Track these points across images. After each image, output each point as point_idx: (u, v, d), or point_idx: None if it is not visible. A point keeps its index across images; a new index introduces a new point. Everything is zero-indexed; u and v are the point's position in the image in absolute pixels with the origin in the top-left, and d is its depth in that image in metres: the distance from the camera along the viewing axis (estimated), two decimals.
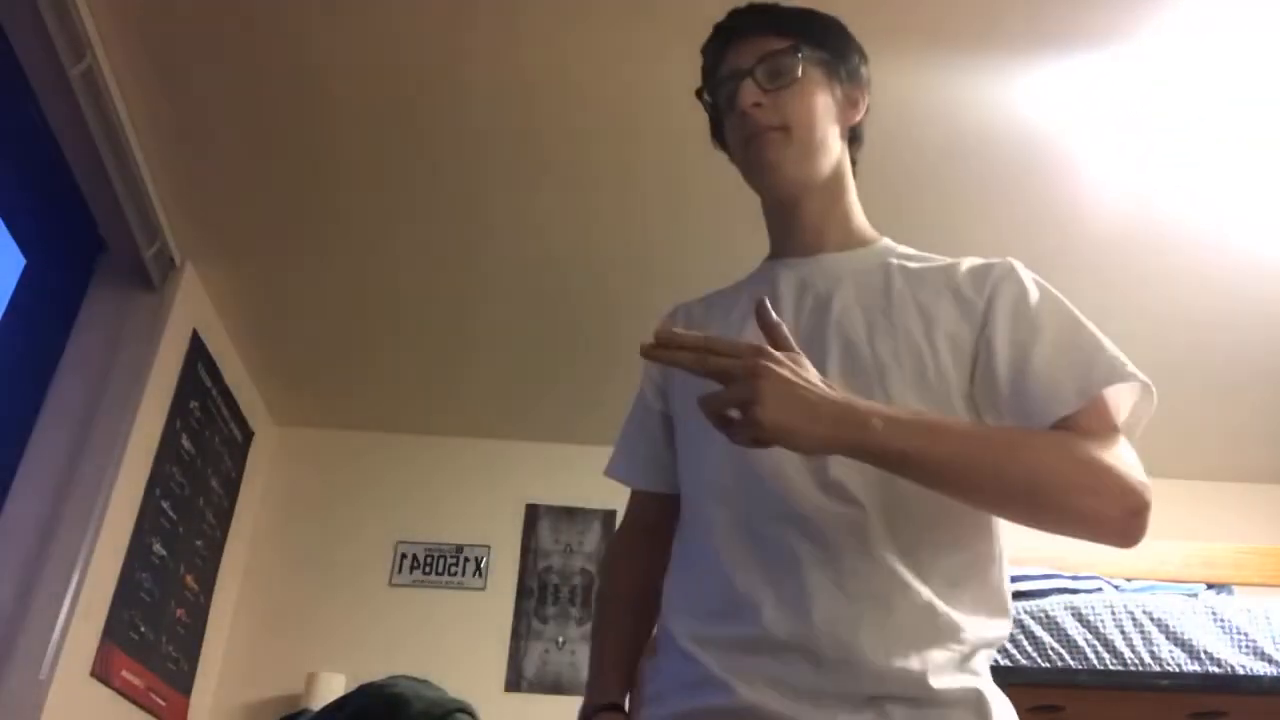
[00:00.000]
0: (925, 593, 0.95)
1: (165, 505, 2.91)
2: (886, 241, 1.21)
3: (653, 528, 1.22)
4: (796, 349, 0.92)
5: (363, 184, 2.70)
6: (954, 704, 0.92)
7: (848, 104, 1.21)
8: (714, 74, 1.22)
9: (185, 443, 3.03)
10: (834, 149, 1.18)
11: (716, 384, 0.90)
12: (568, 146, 2.56)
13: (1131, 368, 0.99)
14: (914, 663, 0.92)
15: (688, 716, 0.98)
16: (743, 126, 1.15)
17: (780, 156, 1.14)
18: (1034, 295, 1.06)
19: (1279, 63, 2.26)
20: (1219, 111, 2.40)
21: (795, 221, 1.19)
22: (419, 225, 2.86)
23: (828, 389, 0.89)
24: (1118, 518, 0.93)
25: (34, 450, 2.56)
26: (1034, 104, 2.41)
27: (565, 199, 2.74)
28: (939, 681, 0.92)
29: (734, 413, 0.86)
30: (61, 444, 2.58)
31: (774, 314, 0.94)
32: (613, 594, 1.23)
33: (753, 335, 0.99)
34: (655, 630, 1.12)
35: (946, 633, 0.94)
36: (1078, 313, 1.05)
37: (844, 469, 0.98)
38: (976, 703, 0.93)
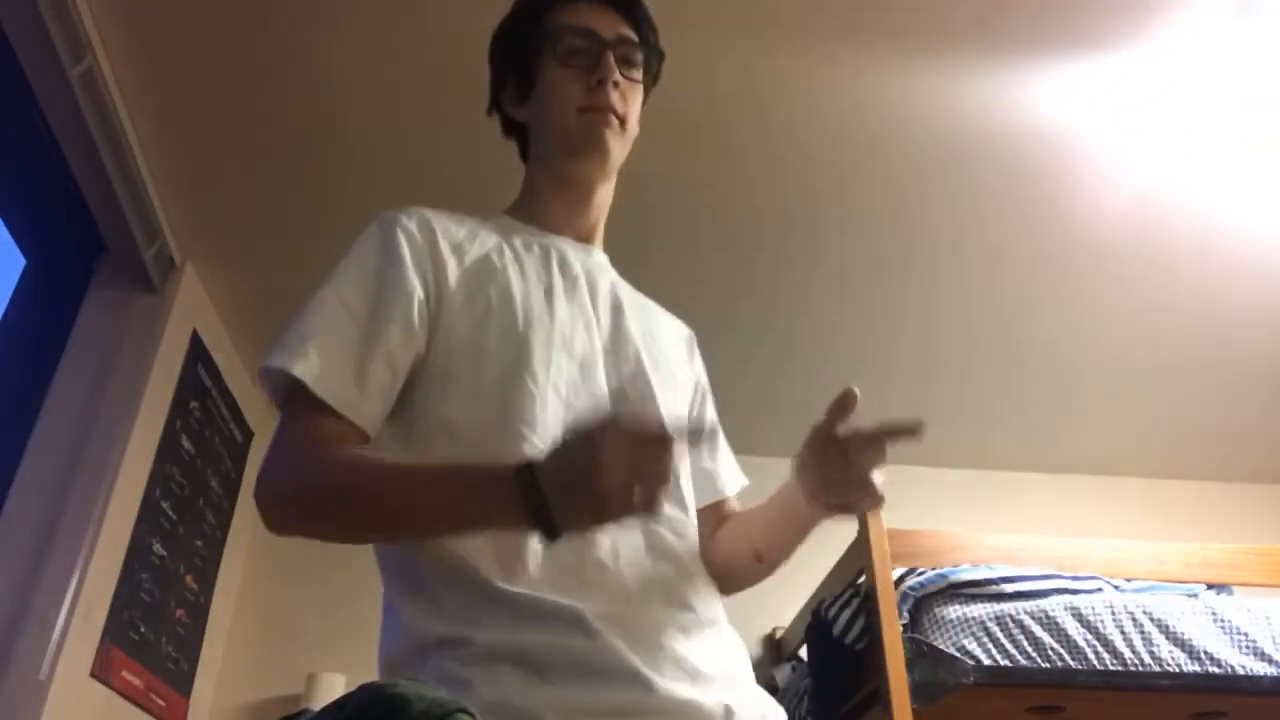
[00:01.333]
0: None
1: (165, 505, 2.90)
2: None
3: None
4: None
5: (363, 184, 2.70)
6: None
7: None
8: (548, 10, 1.16)
9: (185, 443, 3.03)
10: None
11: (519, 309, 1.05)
12: None
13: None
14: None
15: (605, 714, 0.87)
16: (591, 95, 1.12)
17: (613, 142, 1.14)
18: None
19: (1275, 66, 2.26)
20: (1225, 114, 2.40)
21: (583, 206, 1.20)
22: None
23: None
24: None
25: (34, 450, 2.56)
26: (1038, 105, 2.41)
27: None
28: None
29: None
30: (61, 444, 2.58)
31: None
32: (373, 457, 0.95)
33: (563, 310, 1.08)
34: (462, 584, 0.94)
35: None
36: None
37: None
38: None
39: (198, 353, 3.08)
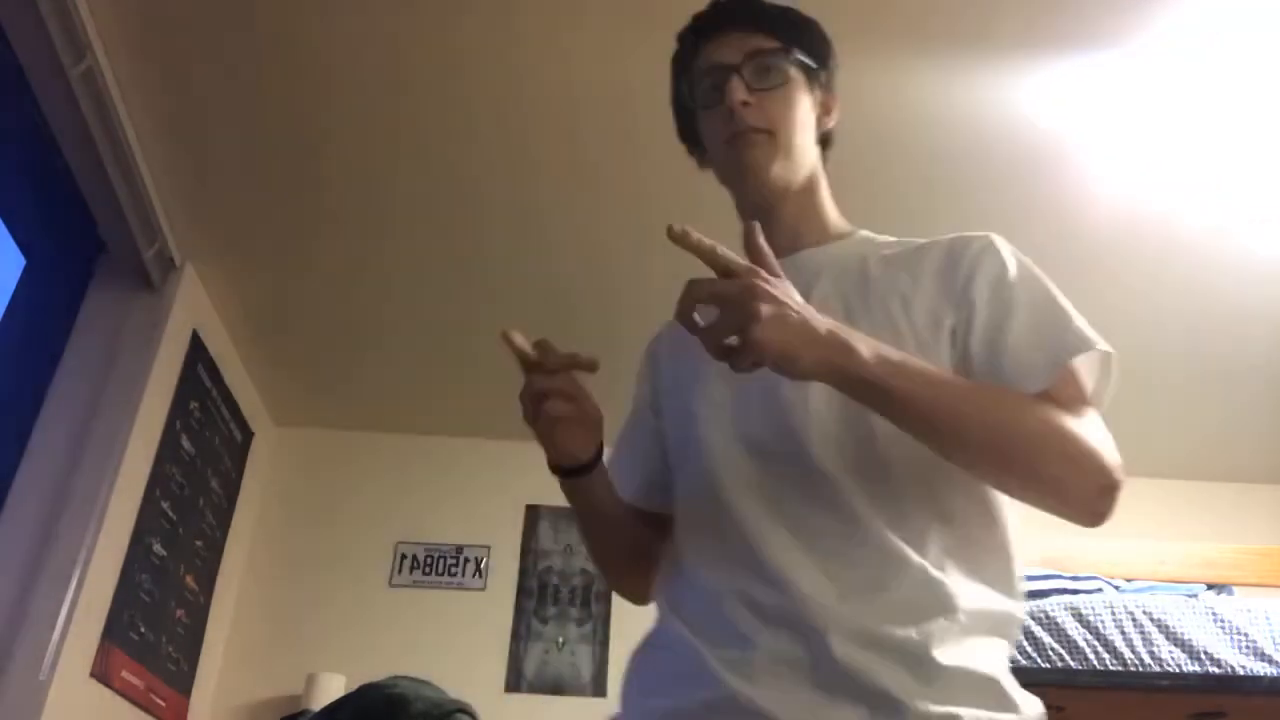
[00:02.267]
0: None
1: (165, 505, 2.91)
2: (864, 233, 1.21)
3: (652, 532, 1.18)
4: (782, 275, 0.91)
5: (363, 184, 2.70)
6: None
7: (823, 110, 1.21)
8: (690, 66, 1.19)
9: (185, 443, 3.03)
10: (811, 154, 1.18)
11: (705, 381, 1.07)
12: (565, 145, 2.56)
13: (1096, 336, 0.99)
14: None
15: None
16: (728, 124, 1.12)
17: (764, 159, 1.12)
18: (1012, 271, 1.06)
19: (1276, 63, 2.27)
20: (1216, 112, 2.40)
21: (772, 225, 1.15)
22: (418, 225, 2.86)
23: (816, 313, 0.89)
24: (1088, 492, 0.94)
25: (34, 450, 2.56)
26: (1032, 105, 2.41)
27: (563, 198, 2.74)
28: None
29: (733, 340, 0.86)
30: (61, 444, 2.58)
31: (762, 238, 0.93)
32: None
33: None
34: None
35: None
36: (1053, 287, 1.05)
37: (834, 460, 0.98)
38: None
39: (198, 353, 3.08)
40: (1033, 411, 0.93)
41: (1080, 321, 1.01)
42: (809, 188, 1.19)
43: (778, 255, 1.10)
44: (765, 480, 1.00)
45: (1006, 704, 0.89)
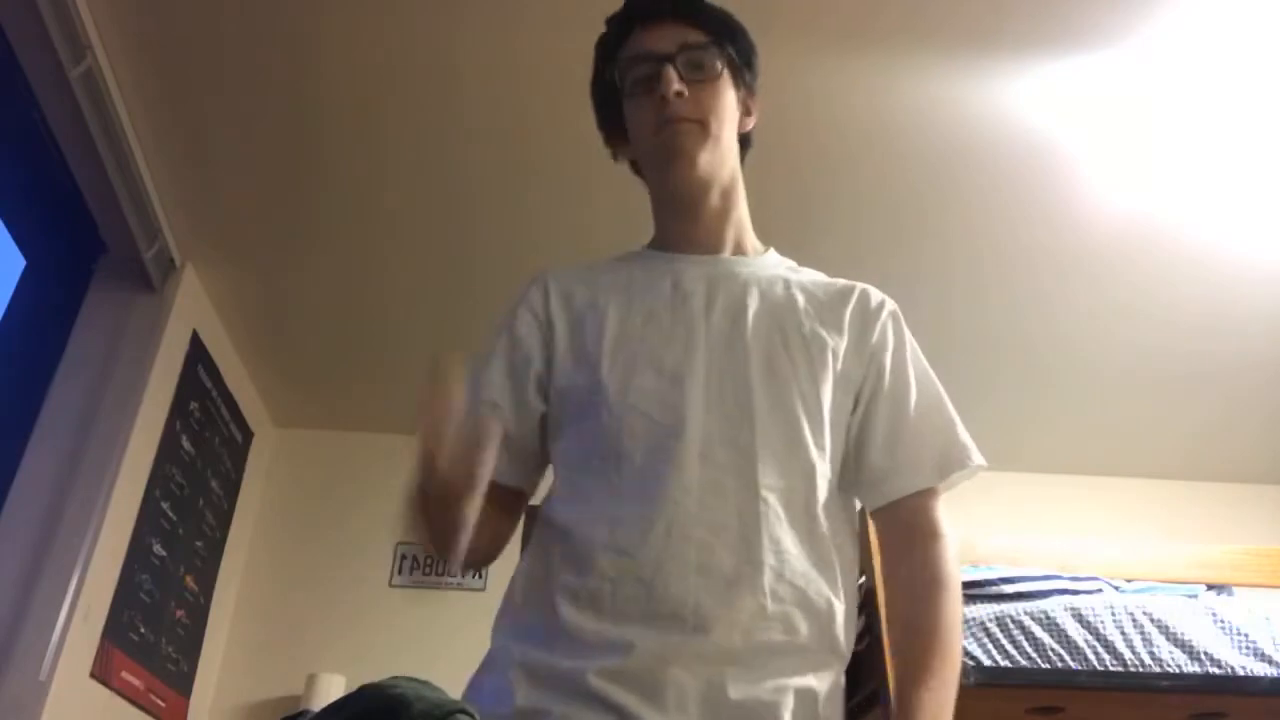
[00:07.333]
0: None
1: (165, 505, 2.91)
2: (775, 253, 1.24)
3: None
4: None
5: (362, 184, 2.70)
6: None
7: (745, 110, 1.22)
8: (617, 52, 1.19)
9: (185, 443, 3.03)
10: (735, 151, 1.20)
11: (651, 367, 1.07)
12: (560, 146, 2.56)
13: (975, 451, 1.13)
14: None
15: None
16: (660, 111, 1.13)
17: (693, 147, 1.13)
18: (910, 353, 1.18)
19: (1277, 64, 2.27)
20: (1215, 113, 2.40)
21: (696, 218, 1.19)
22: (418, 226, 2.86)
23: None
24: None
25: (34, 450, 2.56)
26: (1032, 105, 2.41)
27: (559, 197, 2.74)
28: None
29: None
30: (61, 444, 2.58)
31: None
32: None
33: (660, 329, 1.10)
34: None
35: None
36: (936, 380, 1.18)
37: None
38: None
39: (198, 353, 3.08)
40: (951, 632, 1.03)
41: (963, 431, 1.15)
42: (732, 188, 1.20)
43: (698, 251, 1.17)
44: None
45: None
